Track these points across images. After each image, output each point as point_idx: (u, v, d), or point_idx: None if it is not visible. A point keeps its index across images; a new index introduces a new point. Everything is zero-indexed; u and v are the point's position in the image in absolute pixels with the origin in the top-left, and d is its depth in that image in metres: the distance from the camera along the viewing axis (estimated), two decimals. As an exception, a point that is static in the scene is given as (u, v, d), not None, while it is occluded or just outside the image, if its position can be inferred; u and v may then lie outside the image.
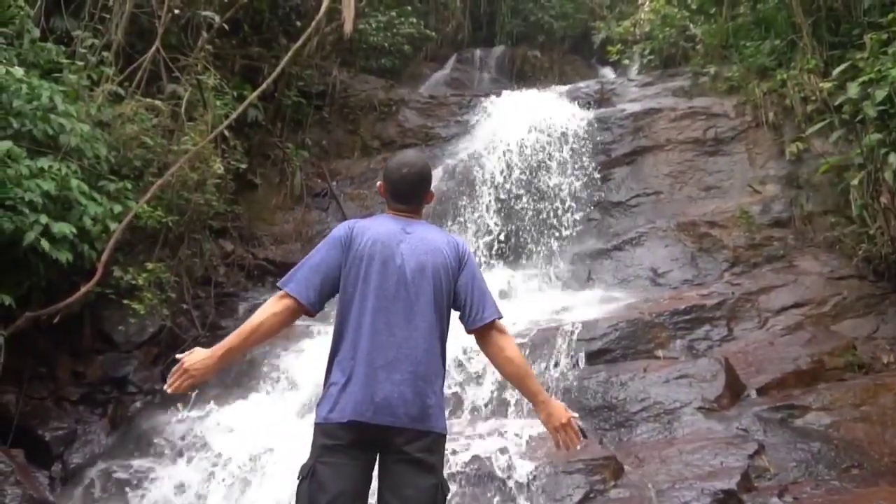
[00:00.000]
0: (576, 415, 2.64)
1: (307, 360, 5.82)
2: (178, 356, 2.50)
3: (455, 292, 2.62)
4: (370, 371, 2.43)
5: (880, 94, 5.75)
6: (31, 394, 5.57)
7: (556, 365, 5.51)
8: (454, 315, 2.68)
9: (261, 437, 5.11)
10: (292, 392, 5.80)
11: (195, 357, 2.45)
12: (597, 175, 8.04)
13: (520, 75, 12.72)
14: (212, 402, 5.79)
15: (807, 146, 7.29)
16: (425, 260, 2.55)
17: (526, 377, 2.63)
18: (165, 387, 2.46)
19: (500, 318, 2.63)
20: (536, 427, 5.01)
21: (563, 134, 8.30)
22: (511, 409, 5.36)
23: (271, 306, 2.53)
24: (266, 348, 6.35)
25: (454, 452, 4.62)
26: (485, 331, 2.60)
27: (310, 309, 2.54)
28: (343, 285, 2.56)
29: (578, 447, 2.62)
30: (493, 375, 5.57)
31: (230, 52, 8.27)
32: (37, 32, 6.11)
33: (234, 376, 6.24)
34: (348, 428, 2.40)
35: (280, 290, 2.56)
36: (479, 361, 5.65)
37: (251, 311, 6.73)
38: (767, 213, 7.17)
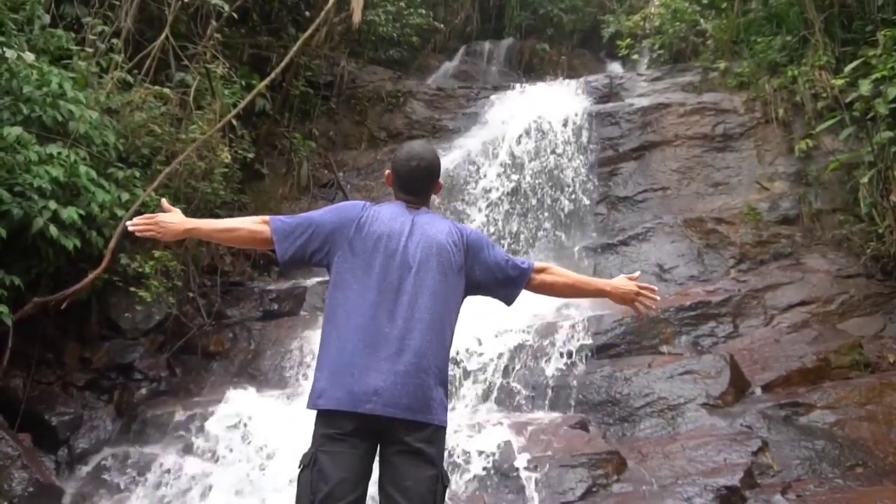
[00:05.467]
0: (637, 273, 2.76)
1: (310, 354, 5.84)
2: (164, 204, 2.64)
3: (472, 284, 2.64)
4: (373, 362, 2.42)
5: (892, 91, 5.72)
6: (39, 379, 5.62)
7: (561, 359, 5.51)
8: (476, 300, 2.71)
9: (265, 427, 5.13)
10: (296, 384, 5.82)
11: (171, 217, 2.60)
12: (603, 170, 8.01)
13: (528, 68, 12.66)
14: (216, 391, 5.82)
15: (816, 143, 7.23)
16: (430, 253, 2.55)
17: (581, 286, 2.77)
18: (129, 222, 2.61)
19: (532, 271, 2.69)
20: (538, 420, 5.04)
21: (570, 128, 8.26)
22: (514, 402, 5.37)
23: (251, 222, 2.63)
24: (273, 340, 6.39)
25: (457, 445, 4.63)
26: (527, 287, 2.70)
27: (276, 249, 2.58)
28: (342, 272, 2.54)
29: (658, 298, 2.70)
30: (496, 368, 5.58)
31: (239, 41, 8.26)
32: (47, 19, 6.12)
33: (240, 367, 6.28)
34: (349, 418, 2.40)
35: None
36: (482, 355, 5.67)
37: (257, 300, 6.88)
38: (775, 210, 7.13)
